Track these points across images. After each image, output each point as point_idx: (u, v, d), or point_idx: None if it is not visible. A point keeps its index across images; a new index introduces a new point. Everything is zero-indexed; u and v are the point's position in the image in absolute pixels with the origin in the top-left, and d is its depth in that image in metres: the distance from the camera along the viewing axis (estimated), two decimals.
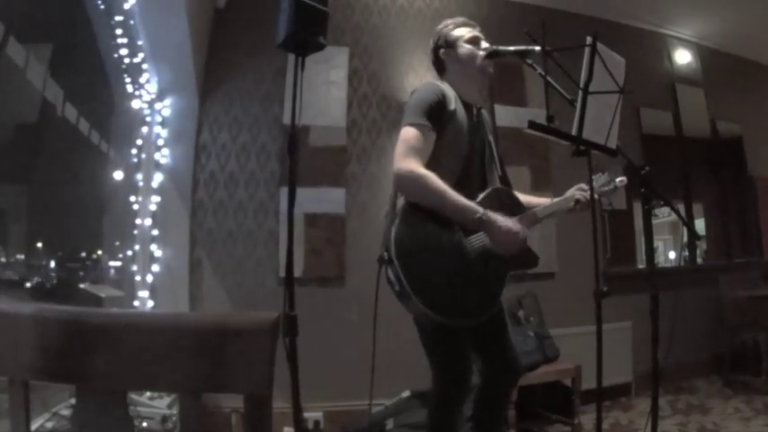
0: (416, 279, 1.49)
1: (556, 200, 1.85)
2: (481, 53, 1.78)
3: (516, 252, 1.66)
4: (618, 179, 1.89)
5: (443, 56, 1.83)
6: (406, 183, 1.59)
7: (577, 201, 1.81)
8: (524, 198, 1.85)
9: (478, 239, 1.62)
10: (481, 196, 1.70)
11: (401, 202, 1.62)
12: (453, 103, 1.71)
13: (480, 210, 1.59)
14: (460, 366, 1.70)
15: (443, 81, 1.83)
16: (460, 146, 1.70)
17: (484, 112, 1.90)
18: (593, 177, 1.79)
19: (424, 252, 1.55)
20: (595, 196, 1.72)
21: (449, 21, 1.88)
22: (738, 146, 4.60)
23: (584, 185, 1.83)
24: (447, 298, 1.54)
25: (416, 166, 1.58)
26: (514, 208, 1.75)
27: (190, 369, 0.63)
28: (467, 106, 1.78)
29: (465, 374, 1.70)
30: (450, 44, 1.81)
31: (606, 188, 1.88)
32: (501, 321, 1.80)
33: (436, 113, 1.64)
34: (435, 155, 1.64)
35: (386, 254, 1.54)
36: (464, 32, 1.82)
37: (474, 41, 1.80)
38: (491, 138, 1.88)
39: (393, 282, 1.53)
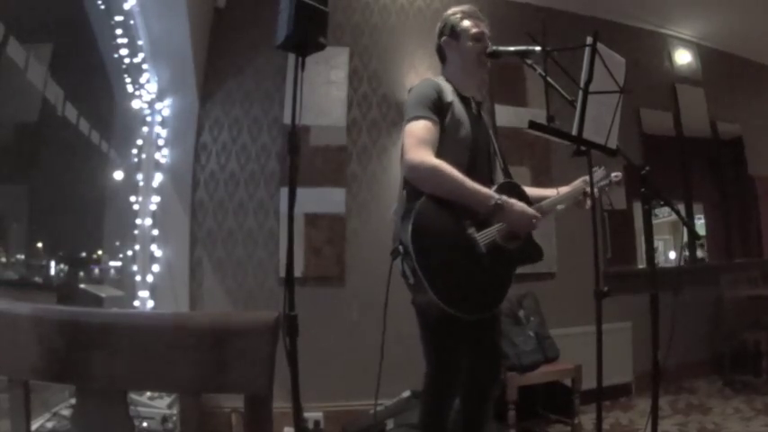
0: (432, 272, 1.49)
1: (562, 194, 1.90)
2: (483, 48, 1.79)
3: (524, 243, 1.69)
4: (613, 174, 1.94)
5: (444, 45, 1.84)
6: (421, 173, 1.59)
7: (585, 194, 1.88)
8: (530, 191, 1.87)
9: (488, 235, 1.63)
10: (494, 188, 1.72)
11: (420, 198, 1.60)
12: (450, 95, 1.73)
13: (497, 195, 1.62)
14: (458, 360, 1.71)
15: (443, 71, 1.86)
16: (464, 137, 1.71)
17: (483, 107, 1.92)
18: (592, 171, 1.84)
19: (439, 245, 1.55)
20: (595, 191, 1.77)
21: (458, 8, 1.87)
22: (738, 146, 4.59)
23: (587, 178, 1.88)
24: (460, 291, 1.55)
25: (429, 156, 1.59)
26: (524, 202, 1.76)
27: (190, 369, 0.63)
28: (464, 99, 1.79)
29: (461, 368, 1.72)
30: (455, 35, 1.82)
31: (603, 182, 1.93)
32: (497, 320, 1.83)
33: (437, 106, 1.67)
34: (441, 147, 1.65)
35: (400, 247, 1.55)
36: (470, 26, 1.81)
37: (479, 38, 1.80)
38: (491, 132, 1.90)
39: (408, 275, 1.54)
